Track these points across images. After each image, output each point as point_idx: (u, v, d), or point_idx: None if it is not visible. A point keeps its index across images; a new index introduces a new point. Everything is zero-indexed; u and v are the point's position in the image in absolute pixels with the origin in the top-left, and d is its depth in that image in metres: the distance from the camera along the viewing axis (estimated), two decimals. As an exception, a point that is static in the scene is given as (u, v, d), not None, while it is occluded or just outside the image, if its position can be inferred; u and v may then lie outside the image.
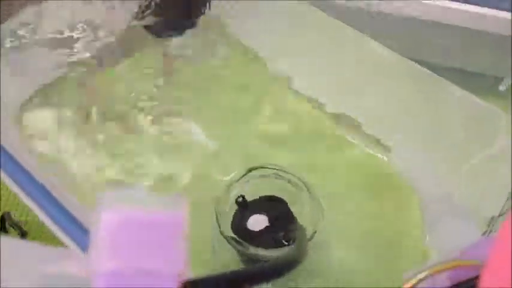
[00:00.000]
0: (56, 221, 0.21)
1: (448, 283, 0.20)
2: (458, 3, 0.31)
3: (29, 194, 0.22)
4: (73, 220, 0.22)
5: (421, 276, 0.16)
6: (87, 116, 0.36)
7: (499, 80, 0.32)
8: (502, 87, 0.32)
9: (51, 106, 0.36)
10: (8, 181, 0.22)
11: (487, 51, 0.33)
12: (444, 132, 0.32)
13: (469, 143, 0.31)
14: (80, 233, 0.21)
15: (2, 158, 0.23)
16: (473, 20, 0.32)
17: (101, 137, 0.35)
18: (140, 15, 0.38)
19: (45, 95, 0.37)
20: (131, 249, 0.13)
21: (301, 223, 0.31)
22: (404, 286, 0.16)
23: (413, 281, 0.16)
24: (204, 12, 0.40)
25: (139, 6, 0.38)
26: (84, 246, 0.21)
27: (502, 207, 0.28)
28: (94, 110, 0.36)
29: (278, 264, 0.19)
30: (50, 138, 0.35)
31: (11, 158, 0.23)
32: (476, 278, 0.18)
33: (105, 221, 0.13)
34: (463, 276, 0.19)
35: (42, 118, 0.36)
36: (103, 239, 0.13)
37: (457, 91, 0.31)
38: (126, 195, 0.14)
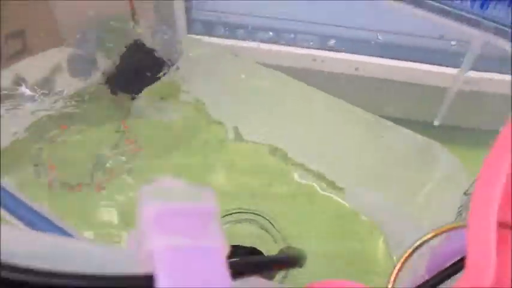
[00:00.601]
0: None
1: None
2: (396, 60, 0.37)
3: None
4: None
5: (426, 237, 0.19)
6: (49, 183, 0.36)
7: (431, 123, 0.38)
8: (436, 122, 0.37)
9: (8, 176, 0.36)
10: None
11: (419, 100, 0.38)
12: (392, 166, 0.36)
13: (416, 172, 0.35)
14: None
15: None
16: (408, 74, 0.38)
17: (65, 201, 0.35)
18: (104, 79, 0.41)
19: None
20: (176, 229, 0.15)
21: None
22: (415, 244, 0.19)
23: (421, 240, 0.19)
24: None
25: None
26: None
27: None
28: (54, 175, 0.37)
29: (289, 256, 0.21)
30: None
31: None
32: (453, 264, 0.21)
33: (148, 211, 0.15)
34: (440, 266, 0.22)
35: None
36: (148, 225, 0.15)
37: (401, 130, 0.36)
38: (163, 189, 0.16)
